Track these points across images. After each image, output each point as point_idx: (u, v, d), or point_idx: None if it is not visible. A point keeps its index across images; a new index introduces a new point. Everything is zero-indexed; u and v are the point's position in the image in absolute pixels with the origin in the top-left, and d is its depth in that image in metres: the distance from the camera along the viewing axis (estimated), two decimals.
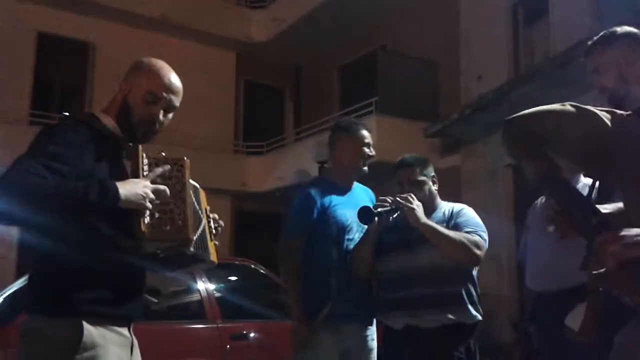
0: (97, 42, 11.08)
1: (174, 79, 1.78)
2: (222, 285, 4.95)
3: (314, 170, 8.93)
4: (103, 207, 1.53)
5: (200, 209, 1.79)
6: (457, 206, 2.59)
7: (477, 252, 2.40)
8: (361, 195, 2.76)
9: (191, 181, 1.76)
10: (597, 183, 1.89)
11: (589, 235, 1.37)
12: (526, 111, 1.51)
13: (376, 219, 2.37)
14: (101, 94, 10.89)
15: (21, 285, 4.28)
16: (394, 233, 2.50)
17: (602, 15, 6.31)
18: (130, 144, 1.71)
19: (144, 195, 1.56)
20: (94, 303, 1.58)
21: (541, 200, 3.04)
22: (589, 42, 2.10)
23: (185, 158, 1.74)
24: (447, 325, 2.37)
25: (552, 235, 2.53)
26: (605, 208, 1.50)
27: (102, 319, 1.60)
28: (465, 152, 8.33)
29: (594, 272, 1.33)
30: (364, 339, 2.58)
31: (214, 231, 1.86)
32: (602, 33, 2.06)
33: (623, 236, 1.27)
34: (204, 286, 4.83)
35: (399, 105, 9.11)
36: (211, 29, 11.63)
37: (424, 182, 2.56)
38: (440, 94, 9.50)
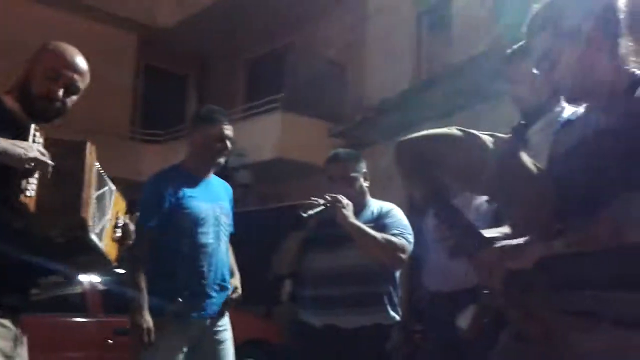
0: None
1: (79, 60, 1.73)
2: (108, 277, 4.71)
3: None
4: None
5: (108, 207, 1.71)
6: (386, 206, 2.57)
7: (402, 255, 2.40)
8: (219, 188, 2.68)
9: (110, 183, 1.70)
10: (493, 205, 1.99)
11: (470, 256, 1.45)
12: (415, 134, 1.56)
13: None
14: None
15: None
16: (322, 228, 2.43)
17: (499, 29, 6.67)
18: (25, 123, 1.57)
19: (25, 152, 1.41)
20: None
21: None
22: (508, 51, 2.19)
23: (89, 143, 1.63)
24: (365, 326, 2.36)
25: None
26: (490, 232, 1.58)
27: None
28: (366, 154, 8.50)
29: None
30: (216, 332, 2.52)
31: (117, 234, 1.78)
32: (520, 43, 2.15)
33: (498, 255, 1.35)
34: (87, 278, 4.58)
35: (305, 103, 9.15)
36: (114, 9, 11.06)
37: (355, 178, 2.52)
38: (346, 95, 9.64)
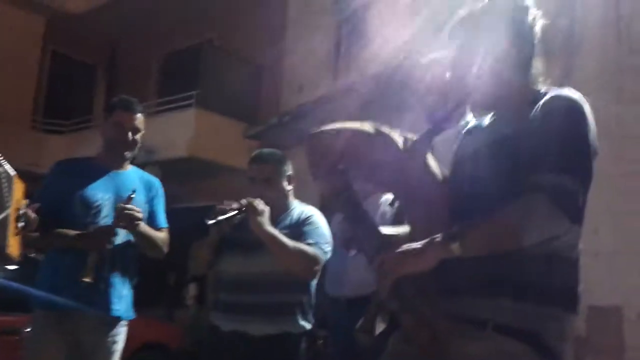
0: None
1: None
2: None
3: None
4: None
5: (7, 197, 1.62)
6: (307, 212, 2.49)
7: (314, 267, 2.33)
8: (132, 179, 2.57)
9: (6, 167, 1.59)
10: (396, 203, 2.03)
11: (370, 257, 1.45)
12: (327, 127, 1.56)
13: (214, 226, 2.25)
14: None
15: None
16: (238, 231, 2.34)
17: (418, 40, 6.90)
18: None
19: None
20: None
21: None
22: (423, 60, 2.25)
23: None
24: (273, 335, 2.30)
25: None
26: (392, 230, 1.60)
27: None
28: None
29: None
30: (103, 335, 2.40)
31: (20, 224, 1.69)
32: (435, 53, 2.21)
33: (396, 258, 1.37)
34: None
35: (221, 102, 9.00)
36: None
37: (277, 180, 2.45)
38: (262, 97, 9.59)
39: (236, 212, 2.26)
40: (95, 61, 12.26)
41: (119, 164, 2.55)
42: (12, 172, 1.65)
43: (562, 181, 1.26)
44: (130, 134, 2.49)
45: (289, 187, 2.52)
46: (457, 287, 1.37)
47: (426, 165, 1.52)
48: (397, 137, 1.53)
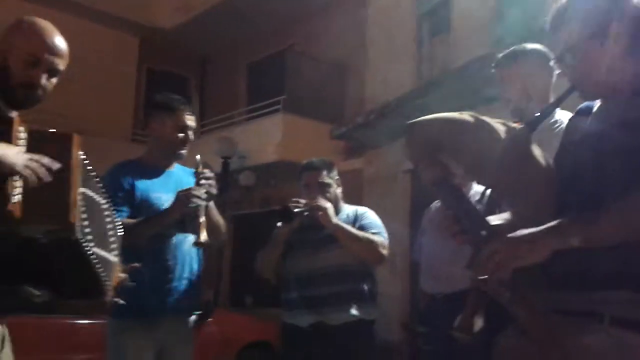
0: None
1: (58, 41, 1.63)
2: None
3: (217, 165, 8.78)
4: None
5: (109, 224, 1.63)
6: (360, 209, 2.71)
7: (383, 251, 2.54)
8: (182, 178, 2.52)
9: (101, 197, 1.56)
10: (487, 192, 1.99)
11: (477, 245, 1.41)
12: (426, 117, 1.56)
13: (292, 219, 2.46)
14: None
15: None
16: (303, 233, 2.57)
17: (499, 33, 6.71)
18: (6, 113, 1.50)
19: (15, 158, 1.31)
20: None
21: (436, 204, 3.17)
22: (500, 55, 2.22)
23: (75, 135, 1.48)
24: (352, 322, 2.48)
25: (447, 239, 2.62)
26: (494, 219, 1.58)
27: None
28: (368, 156, 8.53)
29: (479, 277, 1.39)
30: (183, 334, 2.44)
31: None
32: (513, 47, 2.17)
33: (509, 248, 1.31)
34: None
35: (307, 105, 9.18)
36: (115, 11, 11.09)
37: (329, 185, 2.65)
38: (347, 97, 9.67)
39: (306, 209, 2.48)
40: (187, 74, 12.88)
41: (170, 162, 2.52)
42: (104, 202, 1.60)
43: None
44: (179, 133, 2.45)
45: (339, 190, 2.71)
46: (569, 279, 1.33)
47: (530, 152, 1.47)
48: (499, 125, 1.50)
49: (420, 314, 3.19)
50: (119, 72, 11.19)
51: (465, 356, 2.50)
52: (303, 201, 2.51)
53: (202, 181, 2.34)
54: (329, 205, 2.50)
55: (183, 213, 2.30)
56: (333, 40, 9.80)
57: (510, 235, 1.33)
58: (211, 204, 2.44)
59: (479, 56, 5.71)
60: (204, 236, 2.25)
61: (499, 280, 1.33)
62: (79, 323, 4.47)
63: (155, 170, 2.46)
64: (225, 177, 8.79)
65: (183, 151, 2.47)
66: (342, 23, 9.65)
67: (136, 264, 1.90)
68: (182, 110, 2.47)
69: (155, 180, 2.42)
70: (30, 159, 1.34)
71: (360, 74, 9.05)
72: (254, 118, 9.89)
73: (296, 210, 2.46)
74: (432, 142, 1.51)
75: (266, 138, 9.23)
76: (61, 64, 1.63)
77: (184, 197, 2.28)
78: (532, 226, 1.31)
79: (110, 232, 1.66)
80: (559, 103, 1.53)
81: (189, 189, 2.31)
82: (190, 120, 2.50)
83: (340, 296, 2.50)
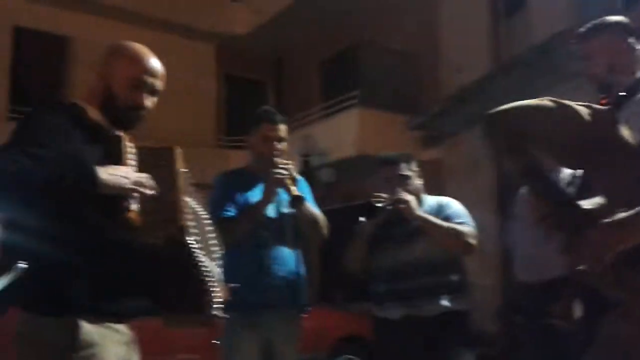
0: (73, 36, 10.92)
1: (155, 62, 1.75)
2: None
3: (297, 164, 8.92)
4: (81, 189, 1.46)
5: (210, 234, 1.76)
6: (443, 199, 2.68)
7: (471, 241, 2.52)
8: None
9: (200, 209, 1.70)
10: (577, 178, 1.91)
11: (572, 232, 1.38)
12: (505, 106, 1.52)
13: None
14: (79, 87, 10.75)
15: (5, 284, 4.18)
16: (388, 227, 2.57)
17: (581, 5, 6.36)
18: (115, 133, 1.65)
19: (126, 180, 1.50)
20: (89, 300, 1.52)
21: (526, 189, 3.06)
22: (581, 29, 2.11)
23: (177, 148, 1.67)
24: (444, 313, 2.47)
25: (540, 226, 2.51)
26: (587, 204, 1.51)
27: (98, 316, 1.54)
28: (447, 144, 8.37)
29: (578, 267, 1.35)
30: (287, 329, 2.51)
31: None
32: (594, 20, 2.06)
33: (605, 234, 1.28)
34: None
35: (382, 98, 9.13)
36: (191, 22, 11.52)
37: (409, 177, 2.63)
38: (422, 86, 9.52)
39: (388, 202, 2.49)
40: (264, 78, 13.16)
41: (267, 171, 2.58)
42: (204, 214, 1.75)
43: None
44: (276, 144, 2.57)
45: (420, 182, 2.68)
46: None
47: (617, 134, 1.42)
48: (582, 108, 1.46)
49: (514, 303, 3.10)
50: (198, 80, 11.62)
51: (565, 344, 2.41)
52: (385, 196, 2.51)
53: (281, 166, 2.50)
54: (410, 198, 2.50)
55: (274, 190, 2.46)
56: (404, 30, 9.67)
57: (605, 221, 1.30)
58: (306, 202, 2.57)
59: (561, 31, 5.45)
60: (294, 190, 2.43)
61: (598, 266, 1.30)
62: None
63: (254, 178, 2.58)
64: (306, 175, 8.91)
65: (276, 160, 2.53)
66: (410, 11, 9.50)
67: (236, 285, 1.98)
68: (266, 122, 2.59)
69: (255, 189, 2.55)
70: (139, 176, 1.52)
71: (434, 60, 8.88)
72: (330, 115, 9.95)
73: (378, 205, 2.48)
74: (514, 132, 1.49)
75: (344, 133, 9.27)
76: (160, 84, 1.75)
77: (272, 178, 2.44)
78: (625, 209, 1.27)
79: (212, 241, 1.76)
80: (634, 90, 1.45)
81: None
82: (274, 131, 2.58)
83: (430, 288, 2.49)
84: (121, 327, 1.62)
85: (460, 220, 2.56)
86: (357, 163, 9.10)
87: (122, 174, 1.51)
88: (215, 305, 1.64)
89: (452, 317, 2.49)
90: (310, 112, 10.58)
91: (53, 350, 1.49)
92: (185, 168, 1.67)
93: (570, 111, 1.45)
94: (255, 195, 2.53)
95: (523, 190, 3.09)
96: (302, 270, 2.59)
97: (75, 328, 1.49)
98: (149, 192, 1.54)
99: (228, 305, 2.38)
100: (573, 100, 1.50)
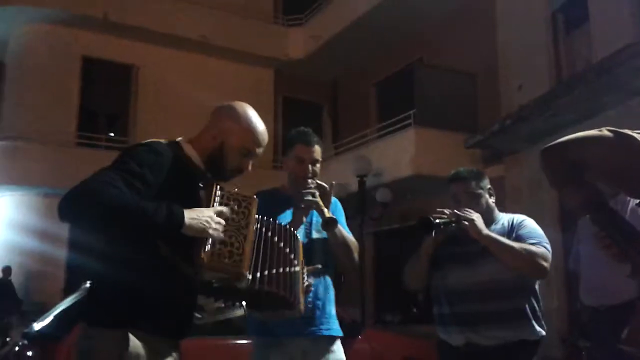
0: (139, 65, 11.41)
1: (264, 134, 1.91)
2: None
3: (353, 184, 8.93)
4: (167, 229, 1.59)
5: (296, 257, 1.88)
6: (518, 217, 2.50)
7: (544, 263, 2.30)
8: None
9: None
10: None
11: (636, 262, 1.36)
12: (563, 139, 1.50)
13: (434, 231, 2.32)
14: (144, 115, 11.21)
15: (73, 302, 4.40)
16: (452, 246, 2.42)
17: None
18: (209, 177, 1.82)
19: (208, 224, 1.62)
20: (142, 317, 1.64)
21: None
22: None
23: (255, 197, 1.82)
24: (509, 343, 2.28)
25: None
26: None
27: (149, 333, 1.65)
28: (508, 162, 8.18)
29: None
30: (316, 355, 2.38)
31: (305, 283, 1.92)
32: None
33: None
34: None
35: (438, 117, 9.06)
36: (249, 49, 11.85)
37: (480, 195, 2.48)
38: (480, 105, 9.39)
39: (452, 220, 2.32)
40: (320, 100, 13.33)
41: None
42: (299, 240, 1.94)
43: None
44: (310, 166, 2.48)
45: (492, 200, 2.53)
46: None
47: None
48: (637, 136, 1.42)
49: (581, 328, 2.98)
50: (257, 103, 11.83)
51: None
52: (447, 212, 2.36)
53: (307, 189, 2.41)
54: (476, 216, 2.34)
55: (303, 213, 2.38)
56: (460, 48, 9.60)
57: None
58: (340, 225, 2.45)
59: (623, 46, 5.28)
60: (327, 212, 2.32)
61: None
62: (240, 343, 4.74)
63: (288, 199, 2.52)
64: (362, 195, 8.90)
65: (308, 181, 2.45)
66: (468, 30, 9.44)
67: (318, 265, 2.17)
68: (300, 143, 2.51)
69: (287, 211, 2.48)
70: (218, 222, 1.64)
71: (492, 79, 8.75)
72: (386, 135, 9.95)
73: (437, 221, 2.32)
74: (571, 165, 1.46)
75: (400, 153, 9.23)
76: (262, 150, 1.91)
77: (301, 200, 2.35)
78: None
79: (291, 255, 1.90)
80: None
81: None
82: (308, 153, 2.49)
83: (495, 314, 2.30)
84: (168, 345, 1.73)
85: (534, 241, 2.34)
86: (413, 183, 9.03)
87: (205, 217, 1.62)
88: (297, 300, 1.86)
89: (521, 348, 2.29)
90: (366, 132, 10.61)
91: (102, 358, 1.60)
92: (242, 189, 1.81)
93: (631, 140, 1.41)
94: (286, 216, 2.44)
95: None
96: (330, 297, 2.47)
97: (126, 341, 1.60)
98: (223, 236, 1.66)
99: (256, 329, 2.42)
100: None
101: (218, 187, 1.76)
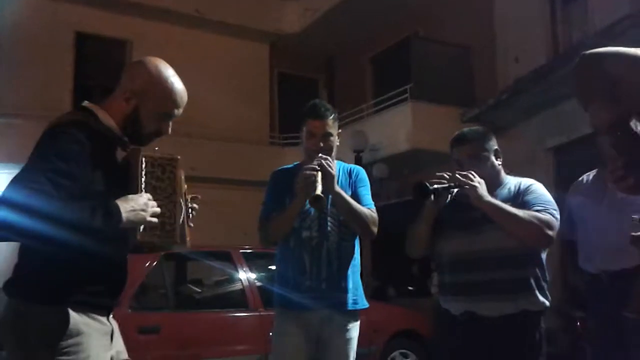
0: (133, 40, 11.28)
1: (183, 92, 1.78)
2: (262, 274, 5.04)
3: (350, 159, 8.92)
4: (106, 231, 1.56)
5: (182, 195, 1.81)
6: (525, 181, 2.37)
7: (549, 232, 2.19)
8: (340, 179, 2.56)
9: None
10: None
11: None
12: (603, 49, 1.41)
13: (432, 196, 2.21)
14: None
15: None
16: (454, 212, 2.30)
17: None
18: (133, 147, 1.76)
19: (145, 212, 1.61)
20: (80, 293, 1.62)
21: (587, 176, 2.91)
22: None
23: (178, 157, 1.75)
24: (510, 314, 2.20)
25: (611, 212, 2.28)
26: None
27: (86, 308, 1.64)
28: (504, 136, 8.18)
29: None
30: (338, 326, 2.44)
31: (191, 215, 1.87)
32: None
33: None
34: (245, 276, 4.93)
35: (434, 91, 9.00)
36: (244, 22, 11.70)
37: (485, 157, 2.35)
38: (476, 78, 9.34)
39: (452, 185, 2.21)
40: (316, 75, 13.23)
41: None
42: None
43: None
44: (321, 140, 2.48)
45: (498, 162, 2.40)
46: None
47: None
48: None
49: (576, 297, 2.96)
50: (252, 78, 11.80)
51: (638, 338, 2.28)
52: (447, 175, 2.23)
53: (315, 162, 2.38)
54: (477, 181, 2.19)
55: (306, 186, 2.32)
56: (456, 21, 9.51)
57: None
58: (341, 198, 2.45)
59: (624, 16, 5.24)
60: (318, 189, 2.26)
61: None
62: (238, 316, 4.80)
63: None
64: None
65: (321, 154, 2.43)
66: (465, 3, 9.33)
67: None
68: (309, 117, 2.51)
69: None
70: (153, 205, 1.64)
71: (488, 52, 8.69)
72: (382, 110, 9.90)
73: (435, 186, 2.18)
74: (609, 78, 1.35)
75: (396, 128, 9.20)
76: (181, 111, 1.80)
77: (299, 176, 2.35)
78: None
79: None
80: None
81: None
82: (318, 127, 2.48)
83: (496, 284, 2.20)
84: (104, 319, 1.71)
85: (540, 207, 2.21)
86: (410, 158, 9.02)
87: (141, 206, 1.61)
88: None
89: (522, 319, 2.21)
90: (362, 107, 10.56)
91: (42, 336, 1.57)
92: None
93: None
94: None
95: (584, 176, 2.92)
96: (348, 269, 2.50)
97: (66, 317, 1.58)
98: (157, 220, 1.65)
99: (277, 301, 2.49)
100: None
101: (142, 157, 1.69)
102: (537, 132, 7.43)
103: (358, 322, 2.52)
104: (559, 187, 7.22)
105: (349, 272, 2.51)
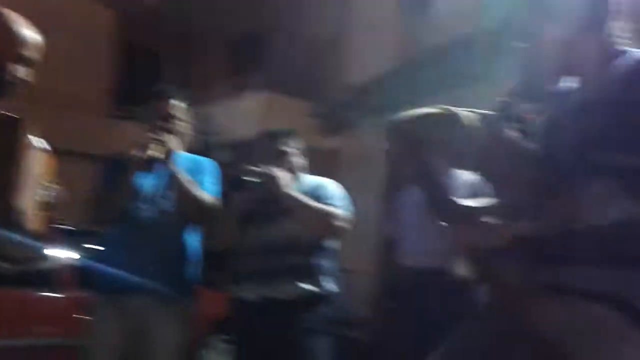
0: None
1: (26, 32, 1.58)
2: (82, 253, 4.68)
3: (196, 141, 8.66)
4: None
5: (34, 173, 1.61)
6: (322, 180, 2.58)
7: (338, 224, 2.40)
8: (183, 166, 2.56)
9: (37, 143, 1.58)
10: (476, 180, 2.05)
11: (450, 225, 1.52)
12: (405, 113, 1.62)
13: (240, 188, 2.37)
14: None
15: None
16: (252, 203, 2.47)
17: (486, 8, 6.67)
18: None
19: None
20: None
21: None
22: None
23: (23, 118, 1.52)
24: (300, 297, 2.37)
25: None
26: (470, 202, 1.63)
27: None
28: (346, 134, 8.51)
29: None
30: (160, 313, 2.39)
31: (52, 200, 1.70)
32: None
33: (465, 232, 1.43)
34: (63, 254, 4.56)
35: (287, 83, 9.10)
36: None
37: (286, 153, 2.55)
38: (328, 75, 9.60)
39: (258, 177, 2.37)
40: (166, 50, 12.64)
41: None
42: (42, 146, 1.62)
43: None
44: (159, 122, 2.51)
45: (300, 161, 2.60)
46: (549, 256, 1.35)
47: (503, 140, 1.48)
48: (470, 114, 1.55)
49: (390, 289, 3.17)
50: (92, 46, 10.94)
51: (437, 333, 2.50)
52: (256, 170, 2.40)
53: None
54: (280, 175, 2.39)
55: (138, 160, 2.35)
56: (312, 17, 9.68)
57: (477, 219, 1.43)
58: (184, 178, 2.43)
59: (462, 35, 5.68)
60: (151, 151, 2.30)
61: (468, 258, 1.41)
62: (41, 295, 4.45)
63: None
64: (202, 154, 8.69)
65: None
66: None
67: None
68: (154, 99, 2.53)
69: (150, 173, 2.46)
70: None
71: (341, 51, 8.98)
72: (233, 95, 9.79)
73: (248, 179, 2.36)
74: (412, 139, 1.57)
75: (247, 116, 9.16)
76: (34, 54, 1.59)
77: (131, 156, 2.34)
78: (505, 210, 1.39)
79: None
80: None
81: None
82: (174, 109, 2.53)
83: (290, 269, 2.39)
84: None
85: (331, 202, 2.44)
86: (248, 147, 9.00)
87: None
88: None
89: (314, 301, 2.41)
90: (214, 91, 10.35)
91: None
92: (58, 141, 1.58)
93: (458, 118, 1.53)
94: (144, 176, 2.43)
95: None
96: (179, 252, 2.48)
97: None
98: None
99: (96, 286, 2.34)
100: (471, 104, 1.58)
101: None
102: (376, 133, 7.82)
103: (182, 310, 2.48)
104: (389, 184, 7.68)
105: (175, 257, 2.48)
